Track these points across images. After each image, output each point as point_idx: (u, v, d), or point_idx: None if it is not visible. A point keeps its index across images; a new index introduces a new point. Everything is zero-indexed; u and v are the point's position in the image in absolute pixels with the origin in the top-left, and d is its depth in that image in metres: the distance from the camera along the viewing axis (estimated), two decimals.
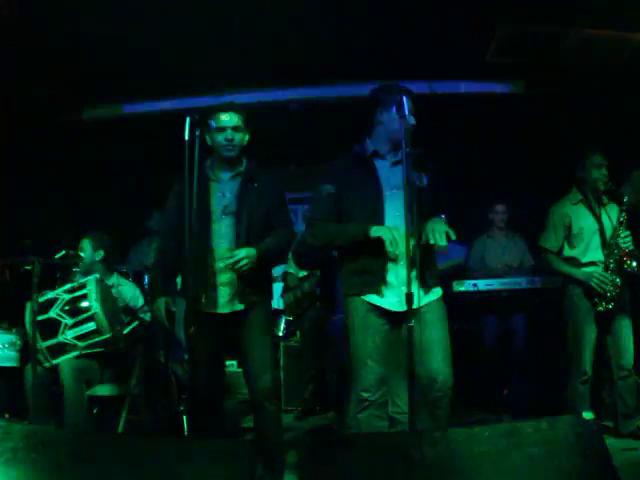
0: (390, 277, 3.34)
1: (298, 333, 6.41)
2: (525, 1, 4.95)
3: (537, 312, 6.11)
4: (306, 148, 6.71)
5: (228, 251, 3.49)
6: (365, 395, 3.32)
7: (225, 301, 3.56)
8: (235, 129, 3.59)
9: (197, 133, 3.26)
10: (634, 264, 4.42)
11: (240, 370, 6.15)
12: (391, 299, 3.33)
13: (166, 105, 6.32)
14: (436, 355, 3.28)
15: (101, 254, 4.64)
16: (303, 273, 6.20)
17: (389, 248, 3.16)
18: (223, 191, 3.63)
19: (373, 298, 3.36)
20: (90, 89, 5.92)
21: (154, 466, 2.56)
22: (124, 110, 6.36)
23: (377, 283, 3.34)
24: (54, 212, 6.38)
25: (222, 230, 3.58)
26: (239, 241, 3.53)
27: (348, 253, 3.45)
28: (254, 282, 3.56)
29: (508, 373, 5.99)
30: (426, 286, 3.35)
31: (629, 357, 4.52)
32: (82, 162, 6.73)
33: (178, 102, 6.32)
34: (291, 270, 6.22)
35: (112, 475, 2.52)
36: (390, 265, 3.33)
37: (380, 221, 3.29)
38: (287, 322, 6.67)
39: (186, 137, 3.24)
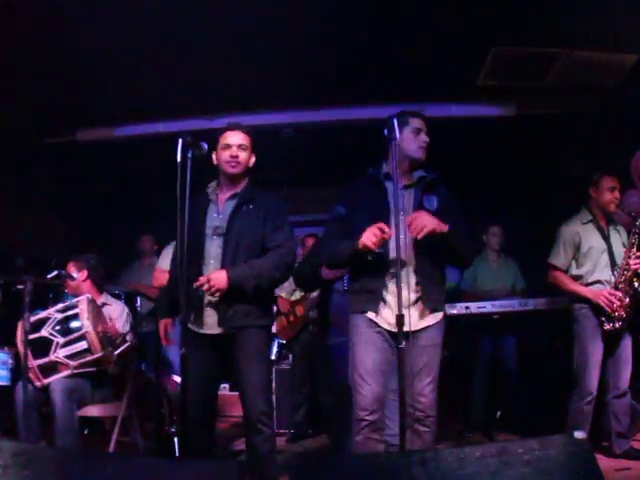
0: (389, 297, 3.36)
1: (290, 356, 6.39)
2: (516, 24, 4.95)
3: (529, 334, 6.12)
4: (299, 171, 6.71)
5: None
6: (362, 414, 3.32)
7: (213, 322, 3.54)
8: (240, 147, 3.62)
9: (189, 155, 3.28)
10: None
11: (233, 393, 6.21)
12: (388, 319, 3.34)
13: (159, 128, 6.32)
14: (423, 379, 3.34)
15: (85, 274, 4.62)
16: (295, 297, 6.19)
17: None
18: (218, 211, 3.64)
19: (373, 315, 3.40)
20: (83, 112, 5.91)
21: None
22: (115, 133, 6.36)
23: (376, 302, 3.37)
24: (47, 231, 6.37)
25: (212, 251, 3.58)
26: (225, 262, 3.52)
27: (354, 273, 3.54)
28: (244, 305, 3.53)
29: (501, 395, 5.97)
30: (426, 308, 3.37)
31: (626, 376, 4.52)
32: (75, 182, 6.73)
33: (170, 125, 6.32)
34: (282, 294, 6.22)
35: None
36: (389, 285, 3.34)
37: (386, 242, 3.29)
38: (279, 345, 6.67)
39: (178, 158, 3.26)
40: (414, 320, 3.25)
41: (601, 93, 5.91)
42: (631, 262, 4.43)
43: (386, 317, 3.36)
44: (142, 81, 5.34)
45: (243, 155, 3.64)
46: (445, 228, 3.27)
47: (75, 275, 4.58)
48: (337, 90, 5.98)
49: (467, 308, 5.62)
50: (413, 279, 3.32)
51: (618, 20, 4.70)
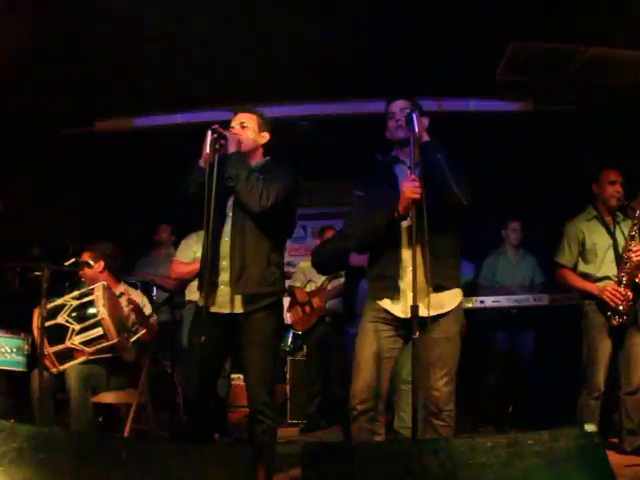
0: (402, 283, 3.33)
1: (305, 348, 6.41)
2: (534, 20, 4.99)
3: (545, 329, 6.12)
4: (315, 164, 6.73)
5: (228, 248, 3.50)
6: (353, 402, 3.31)
7: (224, 301, 3.50)
8: (241, 125, 3.66)
9: (217, 146, 3.38)
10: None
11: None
12: (401, 306, 3.32)
13: (177, 119, 6.36)
14: (437, 372, 3.28)
15: (102, 265, 4.67)
16: (311, 287, 6.22)
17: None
18: (210, 189, 3.51)
19: (387, 303, 3.37)
20: (102, 102, 5.96)
21: (157, 469, 2.55)
22: (135, 123, 6.40)
23: (391, 288, 3.35)
24: (63, 221, 6.42)
25: (227, 227, 3.56)
26: (235, 234, 3.51)
27: (371, 260, 3.53)
28: (257, 272, 3.51)
29: (514, 389, 5.97)
30: (440, 291, 3.32)
31: (638, 375, 4.50)
32: (93, 172, 6.79)
33: (187, 116, 6.37)
34: (298, 284, 6.24)
35: (116, 477, 2.52)
36: (402, 271, 3.33)
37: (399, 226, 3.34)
38: (294, 336, 6.69)
39: (207, 149, 3.38)
40: (428, 305, 3.17)
41: (616, 90, 5.92)
42: (632, 255, 4.41)
43: (399, 304, 3.34)
44: (160, 72, 5.39)
45: (244, 132, 3.65)
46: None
47: (92, 263, 4.62)
48: (355, 84, 6.03)
49: (482, 302, 5.65)
50: (426, 261, 3.19)
51: (633, 18, 4.71)
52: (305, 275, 6.23)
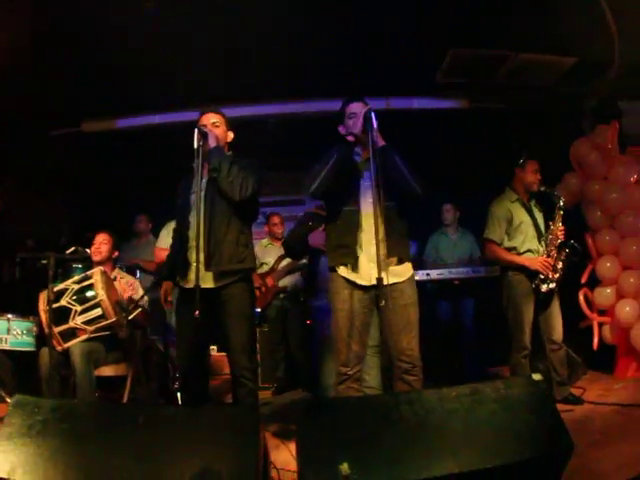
0: (361, 253, 3.42)
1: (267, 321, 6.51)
2: (471, 28, 5.11)
3: (483, 297, 6.30)
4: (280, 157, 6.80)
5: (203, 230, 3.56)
6: (344, 370, 3.39)
7: (201, 277, 3.49)
8: (214, 124, 3.75)
9: (201, 143, 3.51)
10: (567, 251, 4.68)
11: (221, 354, 6.32)
12: (363, 274, 3.40)
13: (155, 119, 6.35)
14: (407, 334, 3.39)
15: (115, 252, 4.77)
16: (264, 269, 6.31)
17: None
18: (202, 181, 3.65)
19: (349, 273, 3.44)
20: (87, 104, 5.94)
21: (172, 432, 2.62)
22: (117, 124, 6.39)
23: (352, 256, 3.42)
24: (52, 216, 6.36)
25: (201, 212, 3.60)
26: (206, 222, 3.58)
27: (329, 230, 3.59)
28: (228, 250, 3.60)
29: (460, 350, 6.20)
30: (393, 257, 3.41)
31: (559, 331, 4.70)
32: (79, 170, 6.74)
33: (164, 117, 6.35)
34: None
35: (134, 440, 2.58)
36: (362, 241, 3.41)
37: (357, 199, 3.45)
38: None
39: (195, 145, 3.49)
40: (387, 274, 3.26)
41: (541, 90, 6.10)
42: (558, 233, 4.66)
43: (360, 273, 3.41)
44: (140, 76, 5.35)
45: (218, 130, 3.74)
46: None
47: (109, 246, 4.72)
48: (315, 86, 6.07)
49: (428, 275, 5.81)
50: (381, 233, 3.25)
51: (560, 27, 4.85)
52: (257, 258, 6.30)
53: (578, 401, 4.63)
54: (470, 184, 6.84)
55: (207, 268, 3.55)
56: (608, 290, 5.16)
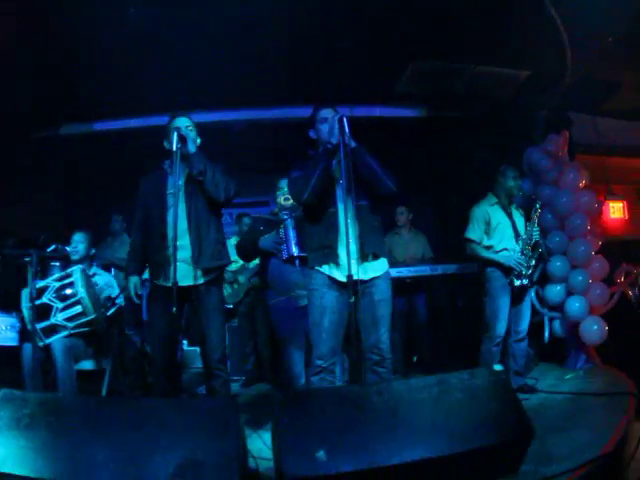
0: (340, 251, 3.44)
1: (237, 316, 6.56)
2: (430, 42, 5.20)
3: (434, 293, 6.52)
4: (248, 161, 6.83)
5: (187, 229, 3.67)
6: (319, 362, 3.44)
7: (182, 275, 3.57)
8: (187, 128, 3.81)
9: (179, 145, 3.57)
10: (540, 250, 4.93)
11: (192, 348, 6.33)
12: (341, 271, 3.41)
13: (130, 123, 6.32)
14: (380, 328, 3.47)
15: (92, 251, 4.74)
16: (236, 267, 6.33)
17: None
18: (176, 181, 3.67)
19: (329, 270, 3.48)
20: (66, 108, 5.90)
21: (156, 421, 2.66)
22: (94, 127, 6.36)
23: (333, 255, 3.46)
24: (31, 216, 6.28)
25: (182, 211, 3.68)
26: (190, 218, 3.69)
27: (309, 232, 3.64)
28: (208, 249, 3.70)
29: (415, 343, 6.35)
30: (371, 258, 3.49)
31: (525, 324, 4.93)
32: (57, 171, 6.69)
33: (137, 121, 6.34)
34: None
35: (121, 433, 2.60)
36: (340, 240, 3.43)
37: (335, 202, 3.51)
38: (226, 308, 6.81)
39: (174, 147, 3.55)
40: (363, 270, 3.39)
41: (498, 101, 6.25)
42: (533, 234, 4.91)
43: (340, 269, 3.43)
44: (114, 82, 5.34)
45: (192, 135, 3.79)
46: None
47: (86, 244, 4.70)
48: (283, 93, 6.14)
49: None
50: (357, 231, 3.35)
51: (516, 42, 4.97)
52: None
53: (532, 390, 4.80)
54: (424, 187, 6.97)
55: (196, 265, 3.64)
56: (558, 287, 5.32)
